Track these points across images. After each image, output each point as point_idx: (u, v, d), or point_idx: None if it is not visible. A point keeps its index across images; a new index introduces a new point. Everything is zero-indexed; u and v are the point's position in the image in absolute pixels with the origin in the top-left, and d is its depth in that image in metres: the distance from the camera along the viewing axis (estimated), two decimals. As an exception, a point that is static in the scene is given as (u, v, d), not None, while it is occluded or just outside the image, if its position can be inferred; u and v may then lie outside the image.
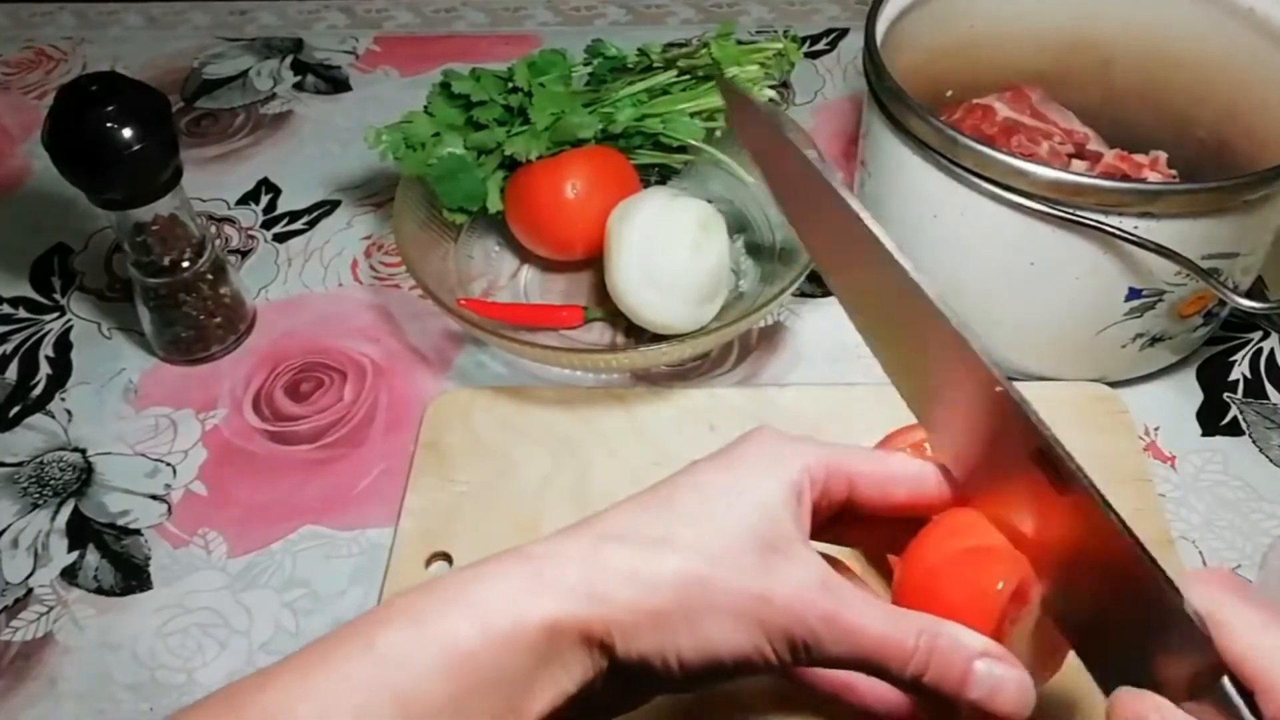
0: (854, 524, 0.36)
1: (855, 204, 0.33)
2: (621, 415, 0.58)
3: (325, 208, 0.73)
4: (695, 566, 0.31)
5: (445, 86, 0.64)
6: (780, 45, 0.64)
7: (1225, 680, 0.29)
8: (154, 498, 0.57)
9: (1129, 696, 0.30)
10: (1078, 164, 0.62)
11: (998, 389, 0.32)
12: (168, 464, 0.58)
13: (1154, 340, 0.57)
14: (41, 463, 0.59)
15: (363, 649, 0.29)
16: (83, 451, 0.59)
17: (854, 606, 0.31)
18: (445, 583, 0.30)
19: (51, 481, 0.58)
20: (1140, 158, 0.61)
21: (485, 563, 0.31)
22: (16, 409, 0.61)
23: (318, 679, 0.28)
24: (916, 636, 0.30)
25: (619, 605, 0.30)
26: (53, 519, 0.56)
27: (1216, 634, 0.29)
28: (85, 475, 0.58)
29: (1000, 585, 0.32)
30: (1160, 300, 0.54)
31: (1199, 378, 0.61)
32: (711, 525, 0.32)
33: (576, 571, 0.30)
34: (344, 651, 0.29)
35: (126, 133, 0.53)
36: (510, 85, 0.63)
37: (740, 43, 0.64)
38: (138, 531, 0.55)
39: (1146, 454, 0.57)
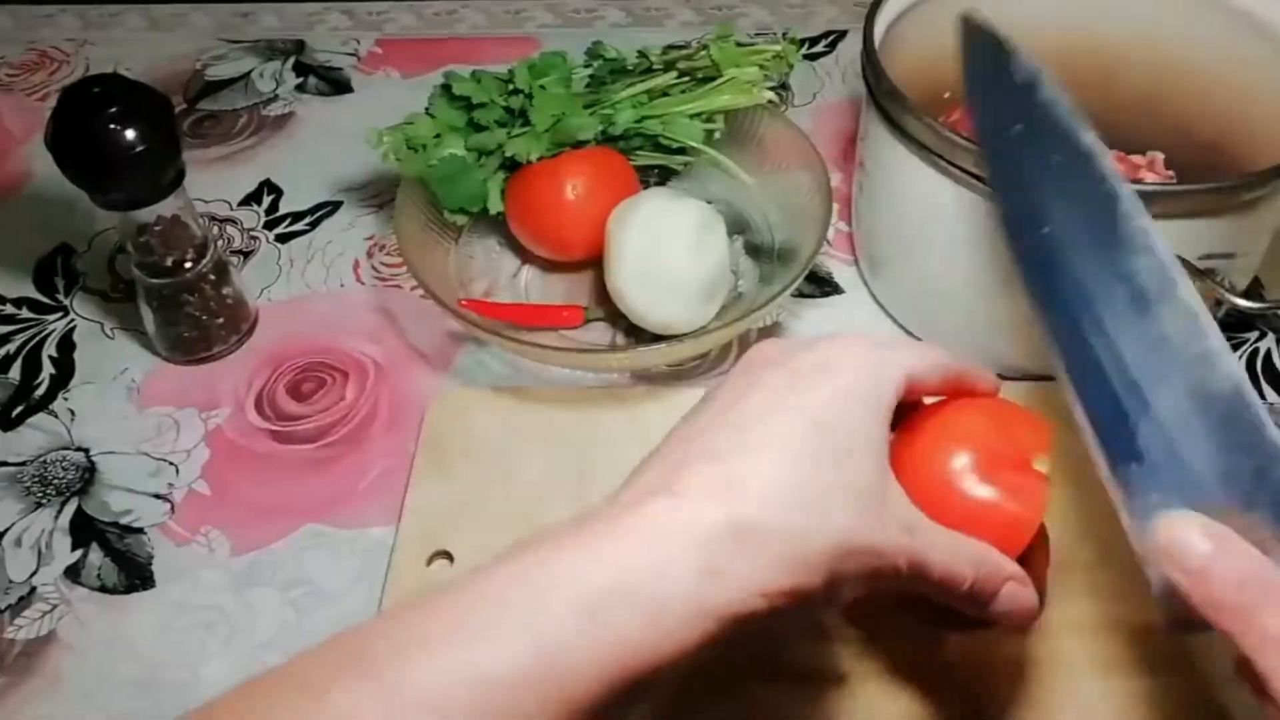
0: None
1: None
2: (621, 415, 0.58)
3: (327, 209, 0.73)
4: (841, 540, 0.32)
5: (446, 88, 0.64)
6: (779, 47, 0.65)
7: None
8: (157, 497, 0.57)
9: (1171, 519, 0.31)
10: (1075, 165, 0.62)
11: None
12: (170, 463, 0.59)
13: (1151, 340, 0.57)
14: (45, 462, 0.59)
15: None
16: (86, 451, 0.60)
17: (932, 547, 0.34)
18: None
19: (55, 481, 0.58)
20: (1138, 159, 0.61)
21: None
22: (20, 409, 0.62)
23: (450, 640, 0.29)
24: (975, 568, 0.35)
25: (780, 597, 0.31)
26: (56, 518, 0.57)
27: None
28: (88, 474, 0.58)
29: (1030, 531, 0.37)
30: (1157, 300, 0.54)
31: (1196, 378, 0.61)
32: (844, 499, 0.32)
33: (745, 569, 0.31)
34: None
35: (129, 134, 0.53)
36: (511, 87, 0.63)
37: (739, 45, 0.64)
38: (140, 530, 0.56)
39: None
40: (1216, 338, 0.34)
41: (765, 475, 0.32)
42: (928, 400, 0.40)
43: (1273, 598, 0.29)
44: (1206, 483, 0.32)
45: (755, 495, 0.31)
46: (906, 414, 0.39)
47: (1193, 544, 0.30)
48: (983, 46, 0.42)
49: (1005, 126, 0.40)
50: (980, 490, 0.37)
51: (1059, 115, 0.39)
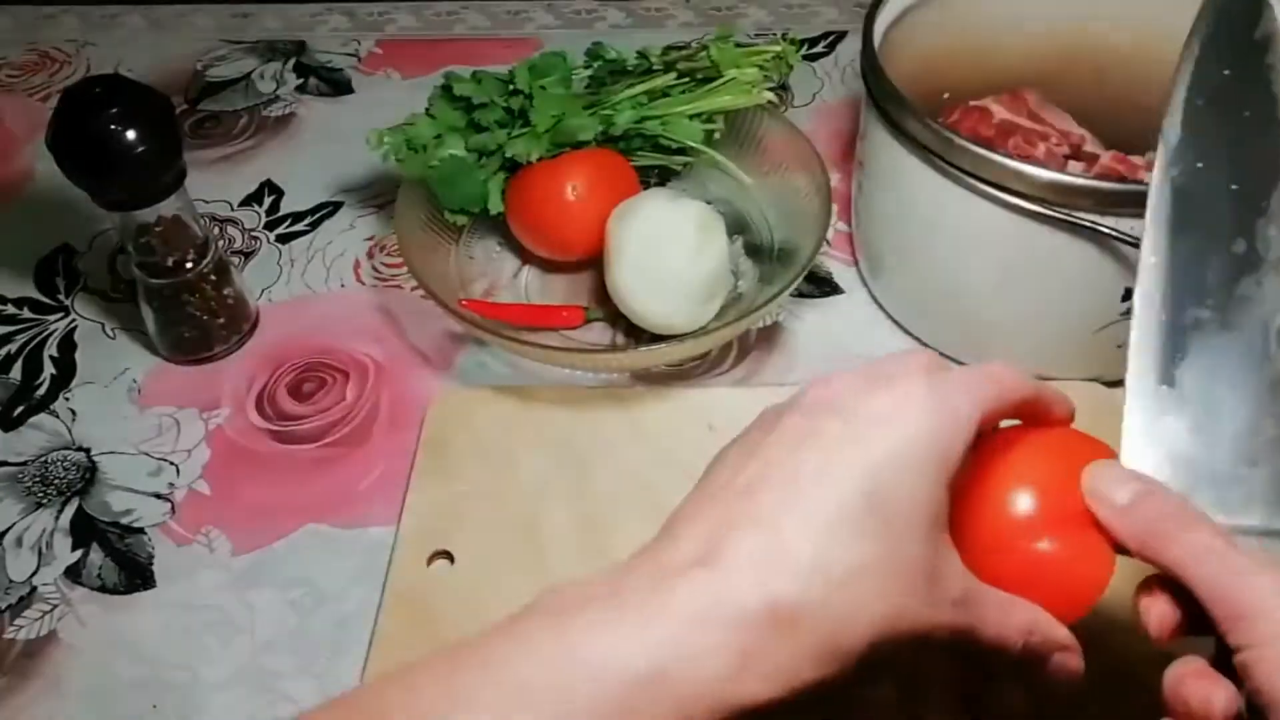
0: None
1: None
2: (621, 415, 0.58)
3: (328, 209, 0.73)
4: (884, 624, 0.31)
5: (447, 89, 0.64)
6: (779, 48, 0.65)
7: None
8: (157, 497, 0.57)
9: (1098, 466, 0.34)
10: (1074, 165, 0.63)
11: None
12: (171, 463, 0.59)
13: (1150, 340, 0.57)
14: (46, 462, 0.59)
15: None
16: (87, 451, 0.60)
17: (983, 618, 0.33)
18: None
19: (56, 481, 0.58)
20: (1137, 159, 0.61)
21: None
22: (21, 409, 0.62)
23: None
24: (1025, 636, 0.34)
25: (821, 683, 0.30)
26: (57, 518, 0.57)
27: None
28: (89, 474, 0.58)
29: (1095, 595, 0.35)
30: (1156, 300, 0.54)
31: (1195, 378, 0.61)
32: (893, 577, 0.31)
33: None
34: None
35: (130, 134, 0.53)
36: (511, 88, 0.64)
37: (739, 46, 0.65)
38: (141, 530, 0.56)
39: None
40: None
41: (810, 548, 0.30)
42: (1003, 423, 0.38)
43: (1196, 521, 0.32)
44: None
45: (797, 572, 0.30)
46: (974, 442, 0.36)
47: (1119, 484, 0.33)
48: None
49: (1216, 66, 0.40)
50: (1043, 547, 0.34)
51: (1273, 80, 0.39)
